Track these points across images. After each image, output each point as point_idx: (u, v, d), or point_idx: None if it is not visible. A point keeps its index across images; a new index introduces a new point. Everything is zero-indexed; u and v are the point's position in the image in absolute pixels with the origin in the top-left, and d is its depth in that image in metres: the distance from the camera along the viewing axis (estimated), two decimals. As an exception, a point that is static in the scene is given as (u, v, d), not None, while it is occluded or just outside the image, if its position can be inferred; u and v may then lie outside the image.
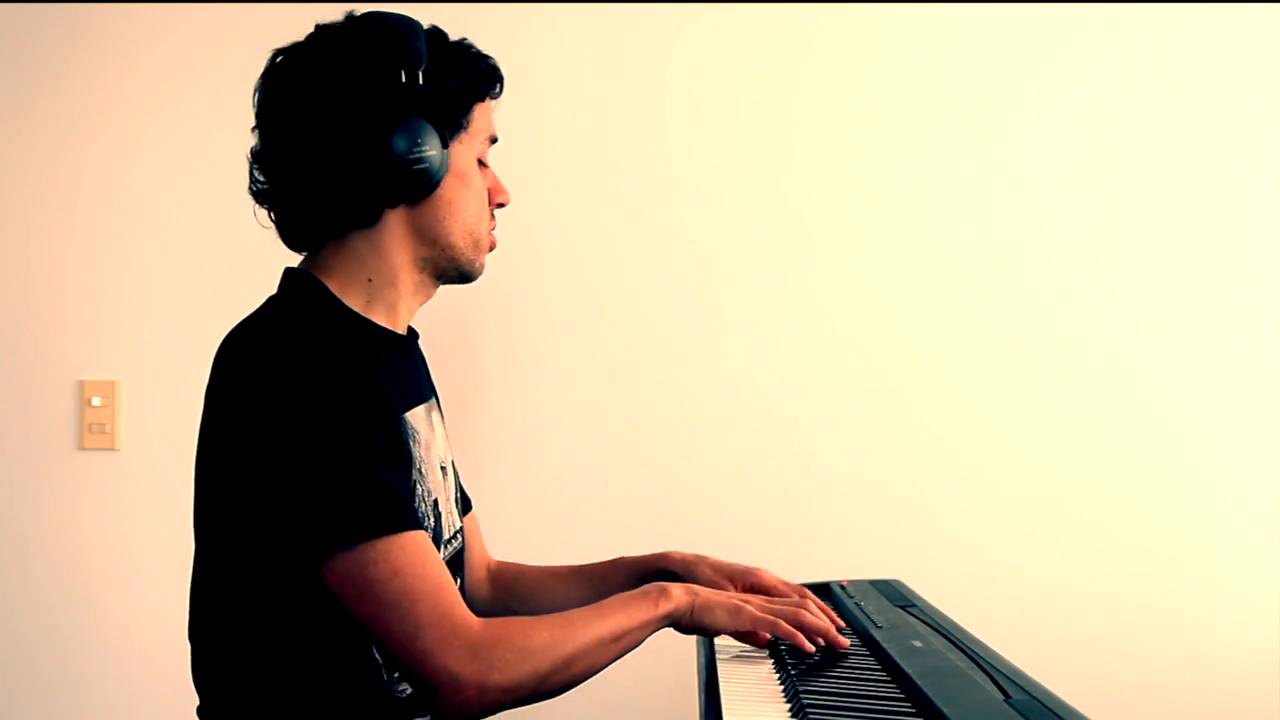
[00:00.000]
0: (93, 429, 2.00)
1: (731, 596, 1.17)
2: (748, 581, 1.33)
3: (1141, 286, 1.90)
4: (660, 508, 1.93)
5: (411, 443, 1.17)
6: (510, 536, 1.87)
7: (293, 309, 1.12)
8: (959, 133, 1.93)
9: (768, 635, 1.17)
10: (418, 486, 1.17)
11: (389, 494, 1.05)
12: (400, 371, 1.21)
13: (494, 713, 1.06)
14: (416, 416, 1.22)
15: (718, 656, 1.15)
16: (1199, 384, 1.88)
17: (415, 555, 1.04)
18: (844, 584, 1.50)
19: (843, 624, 1.30)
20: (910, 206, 1.93)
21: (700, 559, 1.38)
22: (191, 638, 1.17)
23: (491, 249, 1.27)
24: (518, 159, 1.97)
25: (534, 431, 1.96)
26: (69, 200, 2.03)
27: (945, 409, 1.91)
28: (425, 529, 1.10)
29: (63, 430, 2.01)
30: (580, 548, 1.89)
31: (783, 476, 1.92)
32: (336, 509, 1.03)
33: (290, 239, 1.21)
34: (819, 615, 1.18)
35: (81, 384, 2.01)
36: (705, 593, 1.14)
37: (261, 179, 1.19)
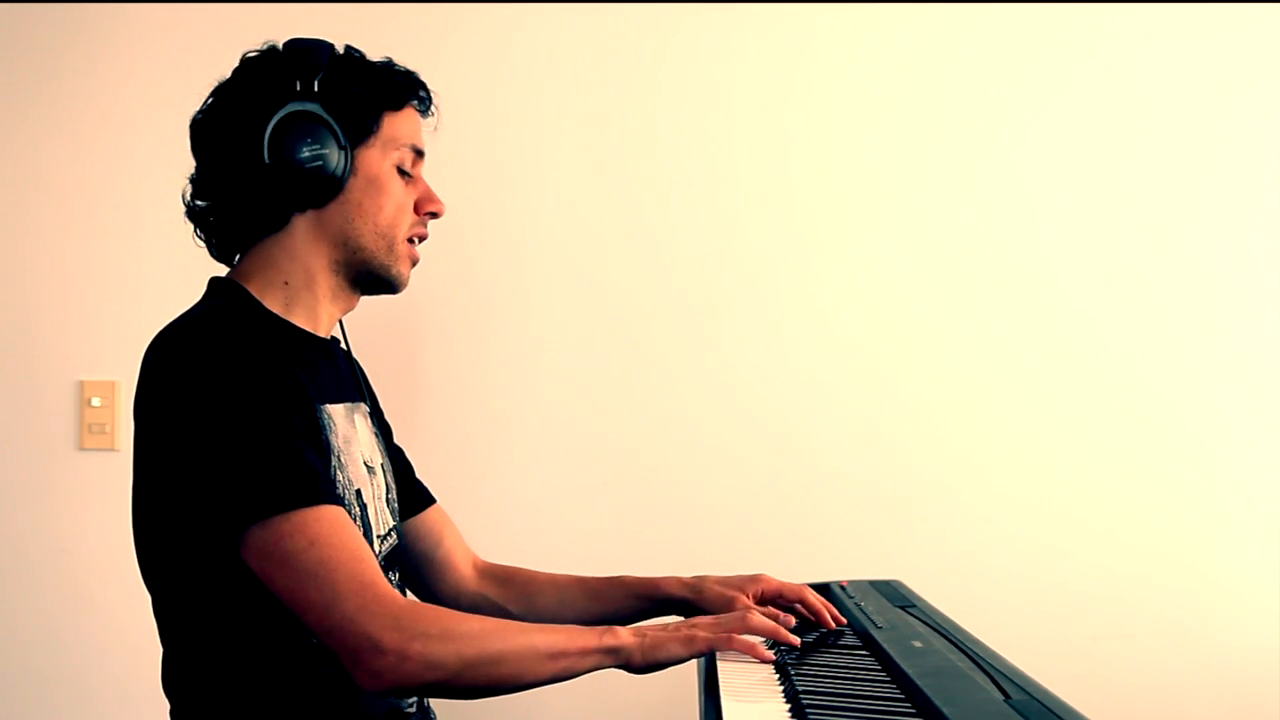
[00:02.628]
0: (93, 429, 2.00)
1: (679, 627, 1.15)
2: (755, 589, 1.35)
3: (1141, 288, 1.90)
4: (660, 509, 1.93)
5: (328, 432, 1.20)
6: (509, 539, 1.87)
7: (210, 310, 1.16)
8: (957, 133, 1.93)
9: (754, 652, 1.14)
10: (337, 474, 1.19)
11: (303, 469, 1.07)
12: (318, 368, 1.24)
13: (411, 692, 1.06)
14: (335, 410, 1.24)
15: (718, 656, 1.14)
16: (1198, 385, 1.88)
17: (332, 528, 1.05)
18: (844, 584, 1.50)
19: (844, 620, 1.30)
20: (909, 208, 1.93)
21: (703, 578, 1.37)
22: (162, 640, 1.20)
23: (414, 263, 1.30)
24: (516, 158, 1.98)
25: (533, 434, 1.96)
26: (69, 200, 2.03)
27: (945, 410, 1.91)
28: (345, 506, 1.11)
29: (63, 430, 2.01)
30: (579, 550, 1.90)
31: (782, 477, 1.92)
32: (249, 484, 1.05)
33: (218, 251, 1.27)
34: (762, 620, 1.16)
35: (81, 384, 2.01)
36: (653, 632, 1.12)
37: (194, 201, 1.25)
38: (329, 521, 1.05)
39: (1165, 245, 1.90)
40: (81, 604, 1.99)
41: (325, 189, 1.20)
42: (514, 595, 1.45)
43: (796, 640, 1.16)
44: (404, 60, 1.32)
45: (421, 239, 1.30)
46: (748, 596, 1.34)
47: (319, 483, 1.08)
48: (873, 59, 1.95)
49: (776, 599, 1.34)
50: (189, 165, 1.27)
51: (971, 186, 1.93)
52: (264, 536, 1.04)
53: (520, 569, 1.49)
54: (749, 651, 1.11)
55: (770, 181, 1.95)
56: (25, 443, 2.02)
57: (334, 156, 1.19)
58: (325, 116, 1.18)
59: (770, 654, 1.12)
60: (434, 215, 1.29)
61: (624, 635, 1.11)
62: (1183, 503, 1.87)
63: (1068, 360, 1.90)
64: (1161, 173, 1.90)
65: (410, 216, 1.27)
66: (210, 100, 1.24)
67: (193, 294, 1.26)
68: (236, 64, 1.24)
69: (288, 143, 1.17)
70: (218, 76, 1.25)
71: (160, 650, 1.20)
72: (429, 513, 1.46)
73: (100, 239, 2.02)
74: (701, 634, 1.12)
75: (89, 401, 2.00)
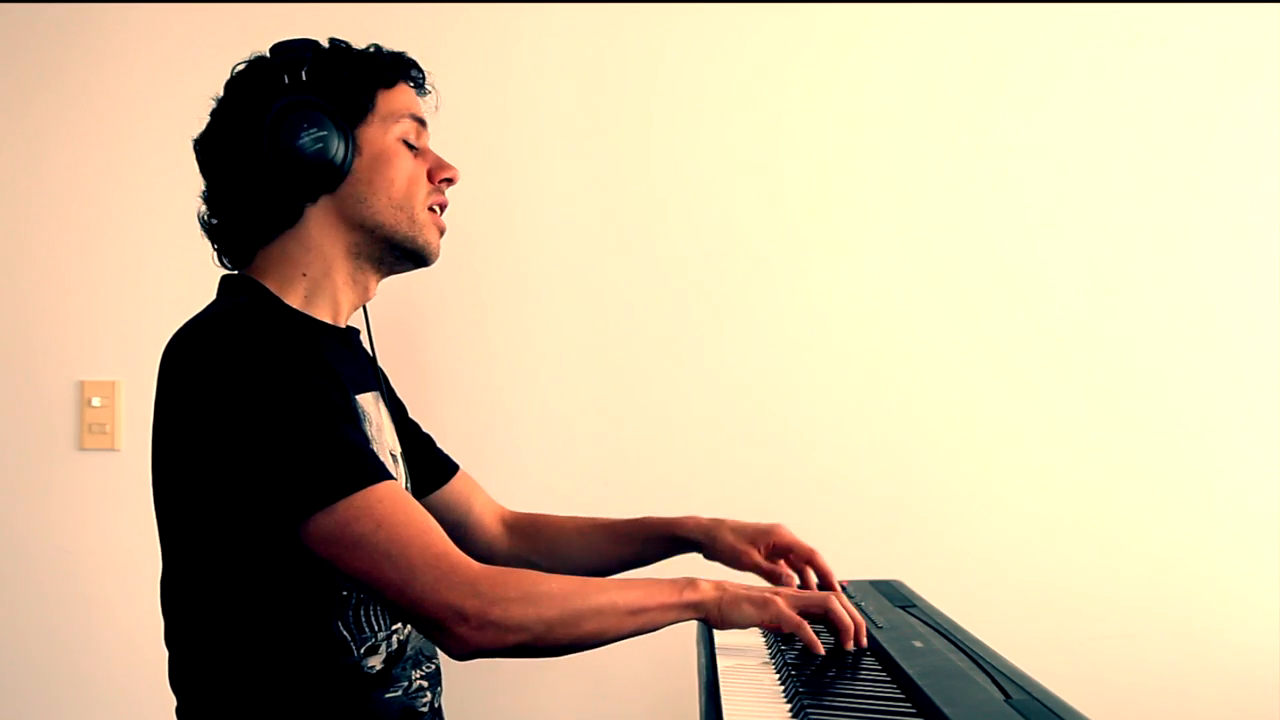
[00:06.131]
0: (93, 429, 2.00)
1: (762, 590, 1.16)
2: (768, 541, 1.38)
3: (1140, 289, 1.90)
4: (660, 508, 1.92)
5: (363, 422, 1.20)
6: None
7: (236, 306, 1.15)
8: (957, 135, 1.93)
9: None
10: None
11: (357, 449, 1.08)
12: (344, 360, 1.24)
13: (497, 653, 1.06)
14: (365, 400, 1.25)
15: (718, 656, 1.14)
16: (1198, 385, 1.88)
17: (395, 504, 1.06)
18: (844, 584, 1.49)
19: (846, 584, 1.31)
20: (907, 209, 1.93)
21: (719, 522, 1.40)
22: (168, 642, 1.19)
23: (442, 232, 1.29)
24: (517, 157, 1.98)
25: (533, 432, 1.96)
26: (69, 200, 2.03)
27: (945, 410, 1.91)
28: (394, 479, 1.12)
29: (63, 430, 2.01)
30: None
31: (782, 477, 1.92)
32: (309, 471, 1.05)
33: (232, 260, 1.27)
34: (848, 609, 1.16)
35: (81, 384, 2.01)
36: (733, 588, 1.14)
37: (209, 218, 1.26)
38: (391, 499, 1.06)
39: (1165, 248, 1.90)
40: (81, 604, 1.99)
41: (332, 172, 1.20)
42: (540, 547, 1.47)
43: (848, 646, 1.16)
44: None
45: (442, 207, 1.30)
46: (759, 550, 1.38)
47: (372, 460, 1.08)
48: (873, 59, 1.95)
49: (787, 554, 1.38)
50: (189, 164, 1.27)
51: (969, 189, 1.93)
52: (328, 523, 1.04)
53: (544, 517, 1.51)
54: (811, 647, 1.12)
55: (771, 182, 1.95)
56: (25, 443, 2.02)
57: (334, 139, 1.19)
58: (319, 101, 1.19)
59: (823, 649, 1.12)
60: (449, 182, 1.30)
61: (705, 589, 1.13)
62: (1183, 503, 1.87)
63: (1068, 361, 1.90)
64: (1160, 175, 1.90)
65: (425, 186, 1.27)
66: (209, 119, 1.25)
67: (194, 293, 1.26)
68: (228, 79, 1.25)
69: (286, 134, 1.17)
70: (218, 77, 1.26)
71: (160, 649, 1.20)
72: (455, 480, 1.48)
73: (100, 239, 2.02)
74: (778, 605, 1.13)
75: (89, 401, 2.00)
